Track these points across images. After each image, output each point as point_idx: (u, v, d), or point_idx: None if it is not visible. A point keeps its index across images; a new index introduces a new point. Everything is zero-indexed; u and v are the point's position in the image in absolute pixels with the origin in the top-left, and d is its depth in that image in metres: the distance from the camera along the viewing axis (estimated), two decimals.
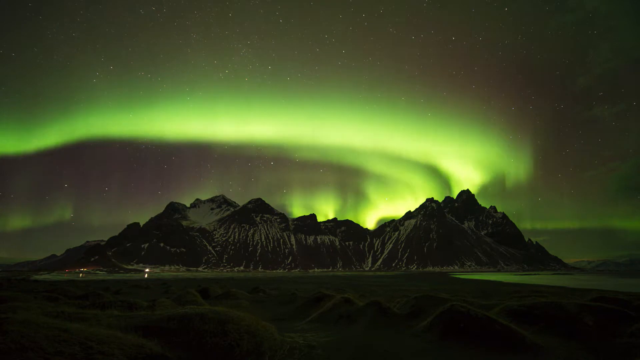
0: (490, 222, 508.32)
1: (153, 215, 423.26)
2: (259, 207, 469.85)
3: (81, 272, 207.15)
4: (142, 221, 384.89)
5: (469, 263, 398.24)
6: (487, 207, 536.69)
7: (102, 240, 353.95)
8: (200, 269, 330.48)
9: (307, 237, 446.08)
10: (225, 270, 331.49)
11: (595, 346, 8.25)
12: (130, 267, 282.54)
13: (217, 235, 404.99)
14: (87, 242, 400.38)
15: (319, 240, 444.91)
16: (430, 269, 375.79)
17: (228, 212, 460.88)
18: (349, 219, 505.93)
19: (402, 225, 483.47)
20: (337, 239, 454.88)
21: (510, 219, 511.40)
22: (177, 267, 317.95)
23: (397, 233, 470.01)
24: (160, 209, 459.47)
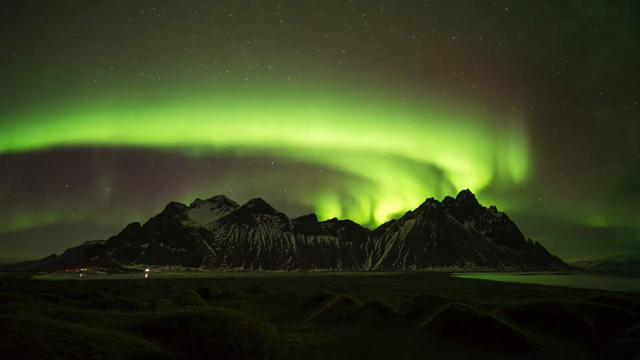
0: (490, 222, 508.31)
1: (153, 215, 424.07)
2: (259, 207, 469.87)
3: (81, 272, 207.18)
4: (142, 221, 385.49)
5: (469, 263, 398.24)
6: (487, 207, 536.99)
7: (102, 240, 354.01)
8: (200, 269, 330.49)
9: (307, 237, 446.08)
10: (225, 270, 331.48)
11: (595, 346, 8.25)
12: (130, 267, 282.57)
13: (217, 235, 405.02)
14: (87, 242, 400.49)
15: (319, 240, 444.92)
16: (430, 269, 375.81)
17: (228, 212, 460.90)
18: (349, 218, 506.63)
19: (402, 225, 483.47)
20: (337, 239, 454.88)
21: (511, 218, 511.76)
22: (177, 267, 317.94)
23: (397, 233, 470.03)
24: (160, 209, 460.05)
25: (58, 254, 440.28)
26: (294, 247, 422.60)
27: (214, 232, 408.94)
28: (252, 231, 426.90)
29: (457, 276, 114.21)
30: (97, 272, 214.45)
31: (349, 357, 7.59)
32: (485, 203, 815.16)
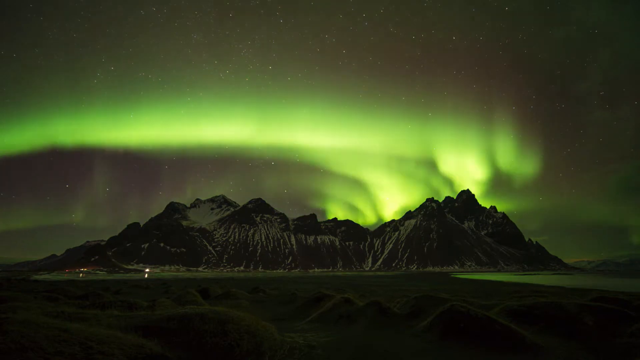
0: (490, 222, 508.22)
1: (153, 215, 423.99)
2: (259, 207, 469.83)
3: (81, 272, 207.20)
4: (142, 221, 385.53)
5: (469, 263, 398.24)
6: (487, 207, 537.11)
7: (102, 240, 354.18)
8: (200, 269, 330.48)
9: (307, 237, 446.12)
10: (225, 270, 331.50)
11: (595, 346, 8.25)
12: (130, 267, 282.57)
13: (217, 235, 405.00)
14: (87, 242, 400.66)
15: (319, 240, 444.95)
16: (430, 269, 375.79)
17: (228, 212, 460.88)
18: (350, 218, 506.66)
19: (402, 225, 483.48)
20: (337, 239, 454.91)
21: (511, 218, 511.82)
22: (177, 267, 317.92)
23: (397, 233, 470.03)
24: (160, 209, 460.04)
25: (58, 254, 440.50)
26: (294, 247, 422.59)
27: (214, 232, 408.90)
28: (252, 231, 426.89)
29: (457, 276, 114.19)
30: (97, 272, 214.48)
31: (349, 357, 7.59)
32: (485, 203, 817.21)
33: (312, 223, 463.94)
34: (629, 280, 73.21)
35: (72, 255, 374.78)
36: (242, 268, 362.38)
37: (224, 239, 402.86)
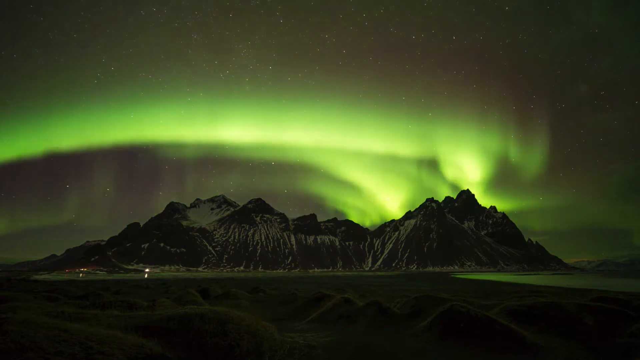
0: (490, 222, 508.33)
1: (153, 215, 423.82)
2: (259, 207, 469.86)
3: (81, 272, 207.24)
4: (142, 221, 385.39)
5: (469, 263, 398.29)
6: (487, 207, 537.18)
7: (102, 240, 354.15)
8: (200, 269, 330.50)
9: (307, 237, 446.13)
10: (225, 270, 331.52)
11: (595, 346, 8.25)
12: (130, 267, 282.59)
13: (217, 235, 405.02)
14: (87, 242, 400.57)
15: (319, 240, 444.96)
16: (430, 269, 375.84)
17: (228, 212, 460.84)
18: (349, 219, 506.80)
19: (402, 225, 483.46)
20: (337, 239, 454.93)
21: (511, 218, 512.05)
22: (177, 267, 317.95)
23: (397, 233, 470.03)
24: (160, 209, 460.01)
25: (58, 254, 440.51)
26: (294, 247, 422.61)
27: (214, 232, 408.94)
28: (252, 231, 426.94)
29: (457, 276, 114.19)
30: (97, 272, 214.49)
31: (349, 357, 7.59)
32: (485, 203, 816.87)
33: (312, 223, 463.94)
34: (629, 280, 73.21)
35: (72, 255, 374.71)
36: (242, 268, 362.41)
37: (224, 239, 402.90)
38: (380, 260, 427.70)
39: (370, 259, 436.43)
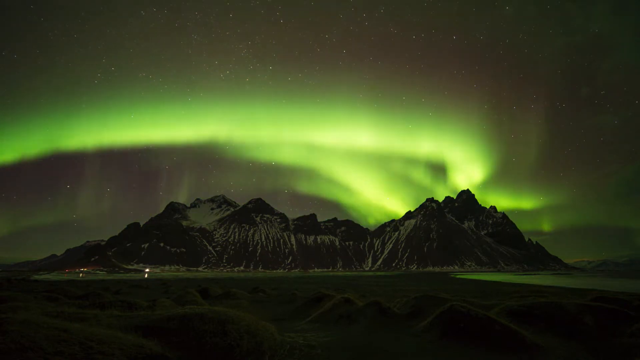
0: (490, 222, 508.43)
1: (153, 215, 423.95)
2: (259, 207, 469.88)
3: (81, 272, 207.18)
4: (142, 221, 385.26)
5: (469, 263, 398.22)
6: (487, 207, 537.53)
7: (102, 240, 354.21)
8: (200, 269, 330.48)
9: (307, 237, 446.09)
10: (225, 270, 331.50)
11: (595, 346, 8.25)
12: (130, 267, 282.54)
13: (217, 235, 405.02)
14: (87, 242, 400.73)
15: (319, 240, 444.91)
16: (430, 269, 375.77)
17: (228, 212, 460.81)
18: (350, 218, 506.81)
19: (402, 225, 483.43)
20: (337, 239, 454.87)
21: (511, 218, 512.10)
22: (177, 267, 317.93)
23: (397, 233, 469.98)
24: (160, 209, 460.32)
25: (58, 254, 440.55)
26: (294, 247, 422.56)
27: (214, 232, 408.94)
28: (252, 231, 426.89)
29: (457, 276, 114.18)
30: (97, 272, 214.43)
31: (349, 357, 7.59)
32: (485, 203, 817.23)
33: (312, 223, 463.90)
34: (629, 280, 73.17)
35: (72, 255, 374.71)
36: (242, 268, 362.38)
37: (224, 239, 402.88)
38: (380, 260, 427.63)
39: (370, 259, 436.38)
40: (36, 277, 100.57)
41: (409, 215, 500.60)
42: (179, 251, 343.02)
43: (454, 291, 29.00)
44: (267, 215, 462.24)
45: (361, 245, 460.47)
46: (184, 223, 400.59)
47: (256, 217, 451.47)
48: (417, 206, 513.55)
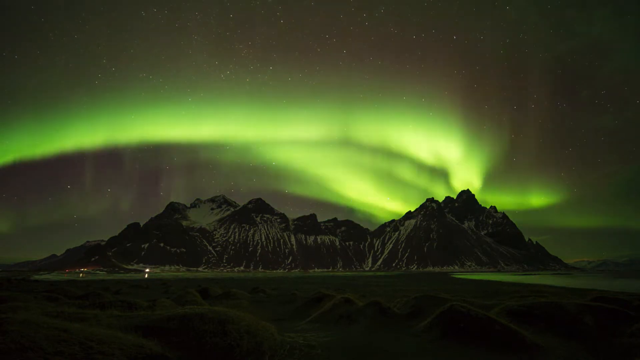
0: (490, 222, 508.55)
1: (153, 215, 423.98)
2: (259, 207, 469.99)
3: (81, 272, 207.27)
4: (142, 221, 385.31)
5: (469, 263, 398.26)
6: (488, 207, 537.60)
7: (102, 240, 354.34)
8: (200, 269, 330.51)
9: (307, 237, 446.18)
10: (225, 270, 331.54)
11: (595, 346, 8.25)
12: (130, 267, 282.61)
13: (217, 235, 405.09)
14: (87, 242, 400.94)
15: (319, 240, 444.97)
16: (430, 269, 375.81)
17: (228, 212, 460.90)
18: (350, 218, 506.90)
19: (402, 225, 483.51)
20: (337, 239, 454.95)
21: (511, 218, 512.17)
22: (177, 267, 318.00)
23: (397, 233, 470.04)
24: (160, 209, 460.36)
25: (58, 254, 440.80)
26: (294, 247, 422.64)
27: (214, 232, 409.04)
28: (252, 231, 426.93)
29: (457, 276, 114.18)
30: (97, 272, 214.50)
31: (349, 357, 7.59)
32: (485, 203, 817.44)
33: (312, 223, 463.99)
34: (629, 280, 73.17)
35: (72, 255, 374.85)
36: (242, 268, 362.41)
37: (224, 239, 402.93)
38: (380, 260, 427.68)
39: (370, 259, 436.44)
40: (36, 277, 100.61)
41: (409, 215, 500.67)
42: (179, 251, 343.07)
43: (454, 291, 29.00)
44: (267, 215, 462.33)
45: (361, 246, 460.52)
46: (184, 223, 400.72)
47: (256, 217, 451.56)
48: (417, 206, 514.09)
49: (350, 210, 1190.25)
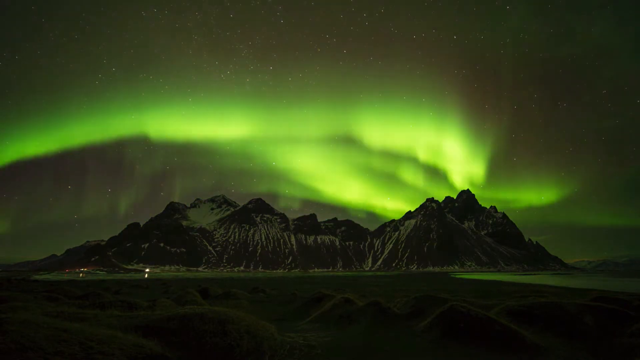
0: (490, 222, 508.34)
1: (153, 215, 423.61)
2: (259, 207, 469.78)
3: (81, 272, 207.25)
4: (142, 221, 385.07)
5: (469, 263, 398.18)
6: (488, 207, 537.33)
7: (102, 240, 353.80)
8: (200, 269, 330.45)
9: (307, 237, 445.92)
10: (225, 270, 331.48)
11: (595, 346, 8.25)
12: (130, 267, 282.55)
13: (217, 235, 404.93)
14: (87, 242, 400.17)
15: (319, 240, 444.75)
16: (430, 269, 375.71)
17: (228, 212, 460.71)
18: (350, 218, 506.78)
19: (402, 225, 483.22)
20: (337, 239, 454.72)
21: (511, 218, 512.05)
22: (177, 267, 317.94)
23: (397, 233, 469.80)
24: (160, 209, 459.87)
25: (58, 254, 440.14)
26: (294, 247, 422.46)
27: (214, 232, 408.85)
28: (252, 231, 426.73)
29: (457, 276, 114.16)
30: (97, 272, 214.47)
31: (349, 357, 7.59)
32: (485, 203, 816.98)
33: (312, 223, 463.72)
34: (629, 280, 73.14)
35: (72, 255, 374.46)
36: (242, 268, 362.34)
37: (224, 239, 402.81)
38: (381, 260, 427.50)
39: (370, 259, 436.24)
40: (36, 277, 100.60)
41: (409, 215, 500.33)
42: (179, 251, 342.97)
43: (454, 291, 29.00)
44: (267, 215, 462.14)
45: (361, 245, 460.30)
46: (184, 223, 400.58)
47: (256, 217, 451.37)
48: (417, 206, 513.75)
49: (351, 210, 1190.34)
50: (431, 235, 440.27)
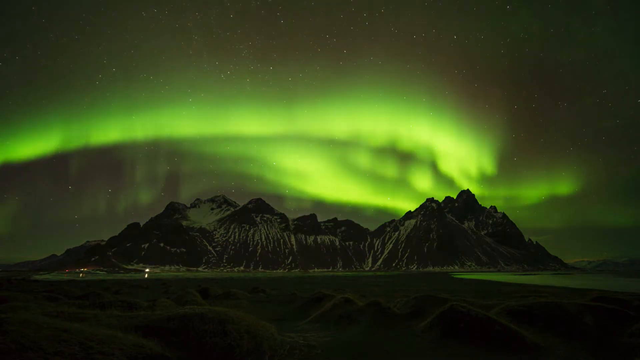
0: (490, 222, 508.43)
1: (153, 215, 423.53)
2: (259, 207, 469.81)
3: (81, 272, 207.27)
4: (142, 221, 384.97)
5: (469, 263, 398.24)
6: (488, 207, 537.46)
7: (102, 240, 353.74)
8: (200, 269, 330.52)
9: (307, 237, 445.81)
10: (225, 270, 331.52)
11: (595, 346, 8.25)
12: (130, 267, 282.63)
13: (217, 235, 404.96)
14: (87, 242, 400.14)
15: (319, 240, 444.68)
16: (430, 269, 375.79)
17: (228, 212, 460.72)
18: (350, 218, 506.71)
19: (402, 225, 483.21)
20: (337, 239, 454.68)
21: (511, 218, 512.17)
22: (177, 267, 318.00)
23: (397, 233, 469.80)
24: (160, 209, 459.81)
25: (58, 254, 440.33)
26: (294, 247, 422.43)
27: (214, 232, 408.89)
28: (252, 231, 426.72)
29: (457, 276, 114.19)
30: (97, 272, 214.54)
31: (349, 357, 7.59)
32: (485, 203, 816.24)
33: (312, 223, 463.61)
34: (629, 280, 73.16)
35: (72, 255, 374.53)
36: (242, 268, 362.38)
37: (224, 239, 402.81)
38: (380, 260, 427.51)
39: (370, 259, 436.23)
40: (36, 277, 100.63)
41: (409, 215, 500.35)
42: (179, 251, 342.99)
43: (454, 291, 29.01)
44: (267, 215, 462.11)
45: (361, 245, 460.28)
46: (184, 223, 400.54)
47: (256, 217, 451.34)
48: (417, 206, 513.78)
49: (351, 210, 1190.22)
50: (431, 235, 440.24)
